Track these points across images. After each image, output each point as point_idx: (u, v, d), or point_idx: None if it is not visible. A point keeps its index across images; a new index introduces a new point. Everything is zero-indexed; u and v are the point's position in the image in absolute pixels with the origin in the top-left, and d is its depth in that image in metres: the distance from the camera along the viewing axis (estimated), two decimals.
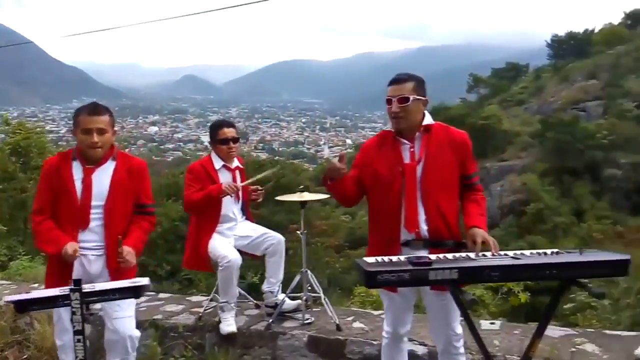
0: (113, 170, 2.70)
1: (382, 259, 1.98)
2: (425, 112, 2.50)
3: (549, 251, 2.00)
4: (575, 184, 29.50)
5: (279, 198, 3.98)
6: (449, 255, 2.04)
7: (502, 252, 2.04)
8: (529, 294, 4.16)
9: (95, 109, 2.67)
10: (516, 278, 2.19)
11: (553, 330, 3.31)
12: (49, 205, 2.70)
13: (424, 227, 2.35)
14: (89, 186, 2.65)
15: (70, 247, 2.58)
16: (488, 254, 2.04)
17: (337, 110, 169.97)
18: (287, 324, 3.67)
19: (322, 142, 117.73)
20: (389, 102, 2.46)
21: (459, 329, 2.43)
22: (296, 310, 3.75)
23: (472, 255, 2.05)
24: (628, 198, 27.32)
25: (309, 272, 3.76)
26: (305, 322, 3.64)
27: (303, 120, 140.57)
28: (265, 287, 3.82)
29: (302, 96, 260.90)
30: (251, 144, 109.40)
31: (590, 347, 3.08)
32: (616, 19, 49.37)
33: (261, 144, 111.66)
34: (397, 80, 2.48)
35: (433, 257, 2.02)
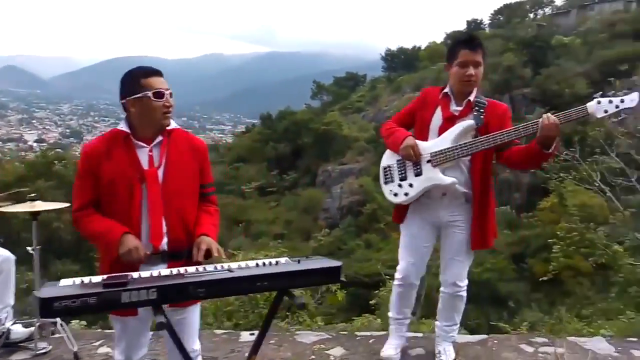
0: None
1: (82, 280, 1.73)
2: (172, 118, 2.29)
3: (273, 261, 1.91)
4: None
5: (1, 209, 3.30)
6: (182, 270, 1.85)
7: (224, 265, 1.88)
8: (344, 292, 4.35)
9: None
10: (226, 293, 1.96)
11: (309, 336, 3.41)
12: None
13: (164, 240, 2.13)
14: None
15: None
16: (203, 267, 1.86)
17: (183, 111, 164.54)
18: (17, 356, 3.21)
19: None
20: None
21: (198, 345, 2.29)
22: (29, 339, 3.30)
23: (207, 268, 1.85)
24: None
25: None
26: (40, 352, 3.21)
27: None
28: None
29: None
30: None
31: (338, 350, 3.22)
32: (439, 37, 55.63)
33: None
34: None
35: (167, 272, 1.84)
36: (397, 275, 2.94)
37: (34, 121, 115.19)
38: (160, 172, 2.13)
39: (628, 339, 3.37)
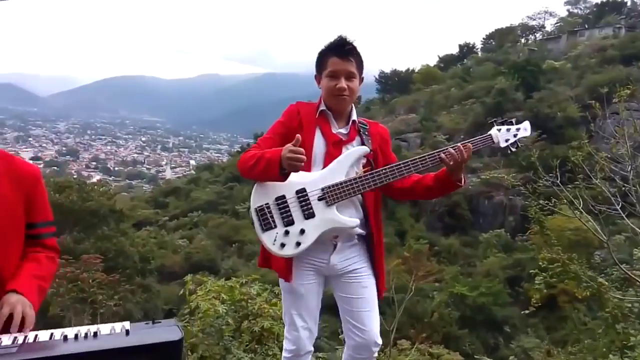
0: None
1: None
2: None
3: (92, 331, 1.40)
4: (398, 208, 32.50)
5: None
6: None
7: (17, 337, 1.44)
8: None
9: None
10: None
11: None
12: None
13: None
14: None
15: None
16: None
17: (180, 130, 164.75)
18: None
19: (164, 163, 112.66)
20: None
21: None
22: None
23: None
24: (441, 220, 30.93)
25: None
26: None
27: (143, 139, 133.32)
28: None
29: (142, 114, 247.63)
30: (82, 163, 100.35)
31: None
32: (432, 61, 56.33)
33: (94, 163, 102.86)
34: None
35: None
36: (288, 346, 2.35)
37: (30, 139, 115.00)
38: None
39: None
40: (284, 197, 2.15)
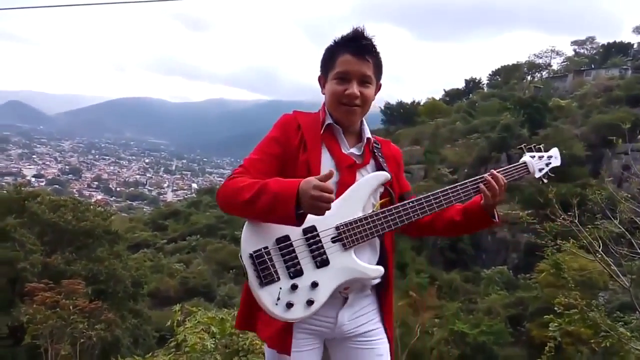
0: None
1: None
2: None
3: None
4: (399, 239, 32.14)
5: None
6: None
7: None
8: None
9: None
10: None
11: None
12: None
13: None
14: None
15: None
16: None
17: (184, 153, 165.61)
18: None
19: (166, 185, 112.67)
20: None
21: None
22: None
23: None
24: (442, 254, 30.48)
25: None
26: None
27: (147, 161, 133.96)
28: None
29: (147, 136, 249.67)
30: (84, 182, 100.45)
31: None
32: (438, 94, 56.71)
33: (96, 182, 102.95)
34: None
35: None
36: None
37: (34, 156, 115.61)
38: None
39: None
40: (287, 238, 1.62)
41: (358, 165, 1.78)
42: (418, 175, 37.16)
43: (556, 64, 53.59)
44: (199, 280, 29.14)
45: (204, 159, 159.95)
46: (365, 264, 1.68)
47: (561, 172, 2.24)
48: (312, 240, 1.64)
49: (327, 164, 1.74)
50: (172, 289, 26.29)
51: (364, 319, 1.79)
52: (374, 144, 1.86)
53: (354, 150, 1.81)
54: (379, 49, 1.77)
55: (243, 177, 1.66)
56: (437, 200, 1.78)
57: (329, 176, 1.55)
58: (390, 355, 1.84)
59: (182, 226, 41.65)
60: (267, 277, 1.60)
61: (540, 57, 53.34)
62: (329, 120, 1.79)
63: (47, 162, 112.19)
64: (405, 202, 1.76)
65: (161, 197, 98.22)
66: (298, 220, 1.55)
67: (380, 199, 1.79)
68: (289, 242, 1.62)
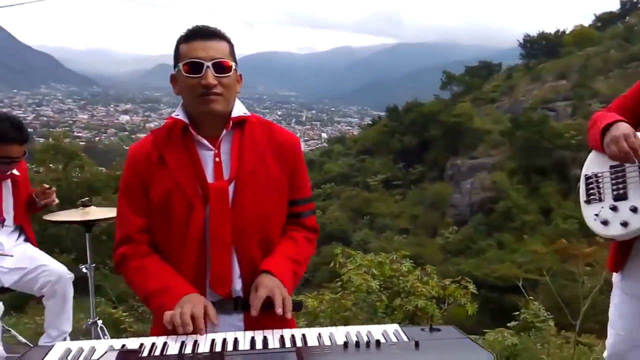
0: None
1: (82, 347, 1.21)
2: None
3: (374, 337, 1.22)
4: (543, 183, 30.01)
5: (47, 218, 2.94)
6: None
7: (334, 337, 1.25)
8: (476, 305, 3.95)
9: None
10: None
11: None
12: None
13: (238, 283, 1.49)
14: None
15: None
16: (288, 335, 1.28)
17: (313, 104, 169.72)
18: None
19: (297, 135, 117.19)
20: (195, 67, 1.45)
21: None
22: None
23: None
24: None
25: (99, 323, 3.01)
26: None
27: (279, 113, 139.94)
28: (42, 341, 2.90)
29: (277, 89, 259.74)
30: None
31: None
32: (587, 20, 50.35)
33: None
34: (206, 34, 1.50)
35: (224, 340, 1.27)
36: (606, 352, 1.96)
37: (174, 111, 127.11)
38: (230, 188, 1.46)
39: None
40: (621, 165, 1.76)
41: None
42: (565, 113, 33.99)
43: None
44: (335, 225, 30.39)
45: (332, 109, 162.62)
46: None
47: None
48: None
49: None
50: None
51: None
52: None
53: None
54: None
55: (603, 111, 1.94)
56: None
57: None
58: None
59: (316, 174, 43.38)
60: (591, 196, 1.83)
61: None
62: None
63: None
64: None
65: None
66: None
67: None
68: (622, 169, 1.77)
